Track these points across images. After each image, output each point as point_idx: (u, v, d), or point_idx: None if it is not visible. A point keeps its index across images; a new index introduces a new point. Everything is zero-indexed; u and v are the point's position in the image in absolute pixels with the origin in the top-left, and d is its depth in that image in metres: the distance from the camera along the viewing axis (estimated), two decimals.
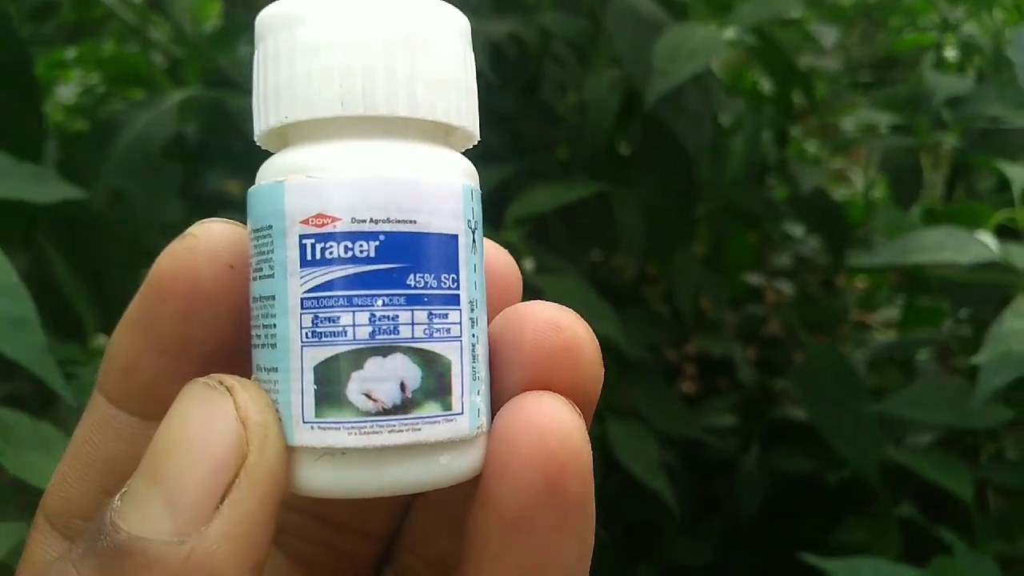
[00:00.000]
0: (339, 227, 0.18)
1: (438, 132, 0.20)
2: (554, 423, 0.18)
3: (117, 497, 0.17)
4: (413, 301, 0.18)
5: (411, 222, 0.18)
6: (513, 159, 0.57)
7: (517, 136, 0.60)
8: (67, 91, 0.80)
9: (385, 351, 0.18)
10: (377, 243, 0.18)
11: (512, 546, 0.18)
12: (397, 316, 0.18)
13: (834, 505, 0.78)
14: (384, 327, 0.18)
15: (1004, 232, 0.58)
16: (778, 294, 1.03)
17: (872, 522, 0.72)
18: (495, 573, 0.18)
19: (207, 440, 0.17)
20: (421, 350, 0.18)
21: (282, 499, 0.18)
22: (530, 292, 0.31)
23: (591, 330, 0.20)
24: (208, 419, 0.17)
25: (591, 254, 0.94)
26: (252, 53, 0.20)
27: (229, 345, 0.20)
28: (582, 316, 0.20)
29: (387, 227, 0.18)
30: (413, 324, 0.18)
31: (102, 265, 0.51)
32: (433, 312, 0.18)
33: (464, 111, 0.20)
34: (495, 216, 0.54)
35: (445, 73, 0.19)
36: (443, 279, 0.18)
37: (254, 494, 0.17)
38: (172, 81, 0.71)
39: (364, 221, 0.18)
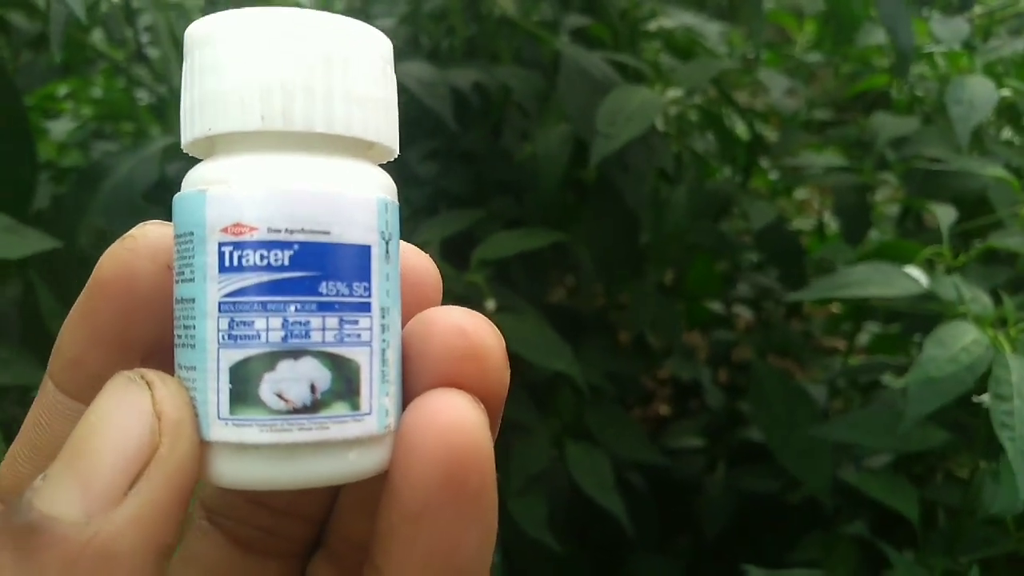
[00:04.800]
0: (255, 236, 0.18)
1: (357, 147, 0.20)
2: (454, 419, 0.18)
3: (40, 477, 0.18)
4: (325, 308, 0.19)
5: (325, 233, 0.19)
6: (477, 199, 0.60)
7: (481, 178, 0.63)
8: (59, 126, 0.83)
9: (296, 354, 0.18)
10: (291, 252, 0.18)
11: (416, 536, 0.19)
12: (309, 322, 0.18)
13: (797, 523, 0.80)
14: (296, 332, 0.18)
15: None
16: (747, 320, 1.06)
17: (826, 539, 0.74)
18: (402, 560, 0.19)
19: (123, 430, 0.18)
20: (331, 354, 0.19)
21: (194, 490, 0.18)
22: None
23: (499, 335, 0.20)
24: (126, 411, 0.18)
25: (565, 280, 0.97)
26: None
27: (169, 341, 0.20)
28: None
29: (301, 237, 0.18)
30: (324, 329, 0.19)
31: None
32: (344, 318, 0.19)
33: (382, 127, 0.20)
34: (462, 258, 0.57)
35: (363, 91, 0.20)
36: (355, 287, 0.19)
37: (163, 484, 0.17)
38: (158, 117, 0.74)
39: (279, 231, 0.18)
